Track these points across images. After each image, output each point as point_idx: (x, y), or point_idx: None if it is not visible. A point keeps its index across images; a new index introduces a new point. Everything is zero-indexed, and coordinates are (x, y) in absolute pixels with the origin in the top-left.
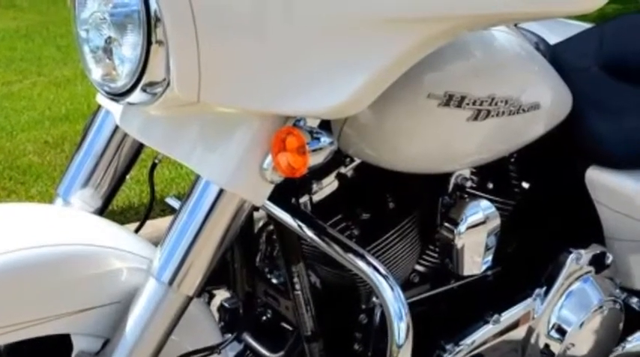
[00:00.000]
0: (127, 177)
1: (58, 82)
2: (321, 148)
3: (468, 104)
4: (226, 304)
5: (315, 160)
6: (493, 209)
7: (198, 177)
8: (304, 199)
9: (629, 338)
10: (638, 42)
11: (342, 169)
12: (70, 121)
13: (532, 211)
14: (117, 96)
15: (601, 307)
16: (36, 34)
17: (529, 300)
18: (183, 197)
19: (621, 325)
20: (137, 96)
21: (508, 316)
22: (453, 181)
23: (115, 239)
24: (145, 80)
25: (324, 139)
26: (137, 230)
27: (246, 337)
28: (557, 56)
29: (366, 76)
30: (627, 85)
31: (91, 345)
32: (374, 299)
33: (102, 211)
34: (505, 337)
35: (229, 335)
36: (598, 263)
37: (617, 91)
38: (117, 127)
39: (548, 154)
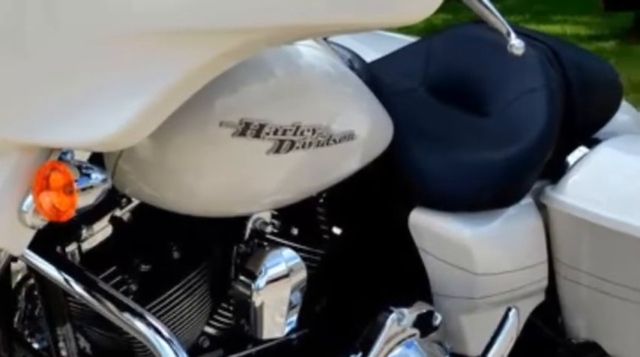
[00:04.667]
0: None
1: None
2: (91, 187)
3: (268, 134)
4: None
5: (85, 200)
6: (298, 260)
7: None
8: (72, 247)
9: None
10: (472, 58)
11: (118, 212)
12: None
13: (345, 262)
14: None
15: None
16: None
17: None
18: None
19: None
20: None
21: None
22: (250, 225)
23: None
24: None
25: (96, 176)
26: None
27: None
28: (376, 76)
29: (144, 101)
30: (458, 110)
31: None
32: None
33: None
34: None
35: None
36: (424, 324)
37: (447, 117)
38: None
39: (365, 193)
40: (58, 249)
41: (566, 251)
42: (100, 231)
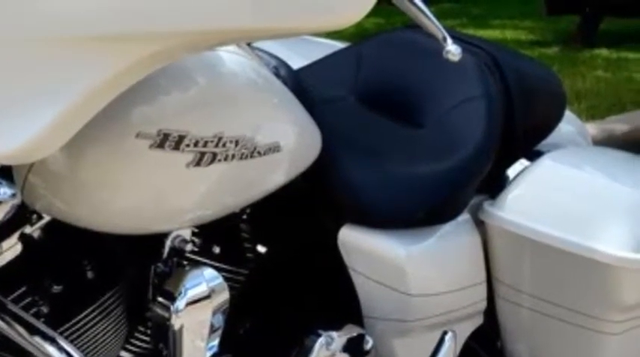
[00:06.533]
0: None
1: None
2: None
3: (188, 146)
4: None
5: None
6: (220, 280)
7: None
8: None
9: None
10: (405, 65)
11: (28, 229)
12: None
13: (271, 282)
14: None
15: None
16: None
17: None
18: None
19: None
20: None
21: None
22: (168, 243)
23: None
24: None
25: (4, 191)
26: None
27: None
28: (303, 84)
29: (56, 110)
30: (391, 120)
31: None
32: None
33: None
34: None
35: None
36: (355, 349)
37: (378, 127)
38: None
39: (292, 209)
40: None
41: (506, 271)
42: (9, 249)
